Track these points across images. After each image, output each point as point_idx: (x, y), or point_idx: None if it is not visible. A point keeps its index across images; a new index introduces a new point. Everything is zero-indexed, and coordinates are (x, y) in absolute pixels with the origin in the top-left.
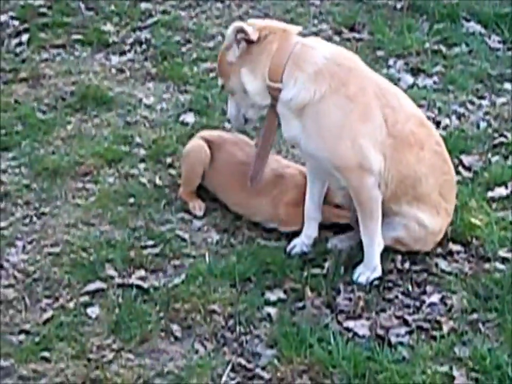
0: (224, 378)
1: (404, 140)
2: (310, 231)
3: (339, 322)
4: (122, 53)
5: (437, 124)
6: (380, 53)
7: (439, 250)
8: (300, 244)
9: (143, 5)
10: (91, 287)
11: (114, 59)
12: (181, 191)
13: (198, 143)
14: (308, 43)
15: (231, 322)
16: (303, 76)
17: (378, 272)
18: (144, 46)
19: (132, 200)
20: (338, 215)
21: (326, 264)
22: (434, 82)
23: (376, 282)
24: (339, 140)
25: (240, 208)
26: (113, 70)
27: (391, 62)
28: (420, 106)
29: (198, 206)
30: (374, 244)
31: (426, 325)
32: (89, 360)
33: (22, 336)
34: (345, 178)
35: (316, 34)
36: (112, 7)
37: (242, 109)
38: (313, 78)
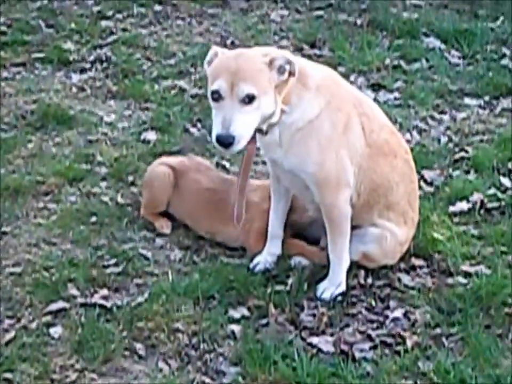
0: None
1: (379, 149)
2: (273, 249)
3: (303, 339)
4: (83, 71)
5: None
6: (340, 69)
7: (402, 265)
8: (263, 261)
9: (104, 23)
10: (53, 307)
11: (75, 77)
12: (143, 212)
13: (163, 170)
14: (299, 59)
15: (195, 340)
16: (308, 93)
17: (342, 288)
18: (104, 64)
19: (93, 219)
20: (311, 252)
21: (290, 281)
22: (395, 98)
23: (339, 298)
24: (327, 153)
25: (209, 235)
26: (74, 88)
27: (352, 78)
28: None
29: (164, 225)
30: (342, 261)
31: (390, 340)
32: (52, 381)
33: None
34: (321, 193)
35: None
36: (73, 25)
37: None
38: (315, 94)
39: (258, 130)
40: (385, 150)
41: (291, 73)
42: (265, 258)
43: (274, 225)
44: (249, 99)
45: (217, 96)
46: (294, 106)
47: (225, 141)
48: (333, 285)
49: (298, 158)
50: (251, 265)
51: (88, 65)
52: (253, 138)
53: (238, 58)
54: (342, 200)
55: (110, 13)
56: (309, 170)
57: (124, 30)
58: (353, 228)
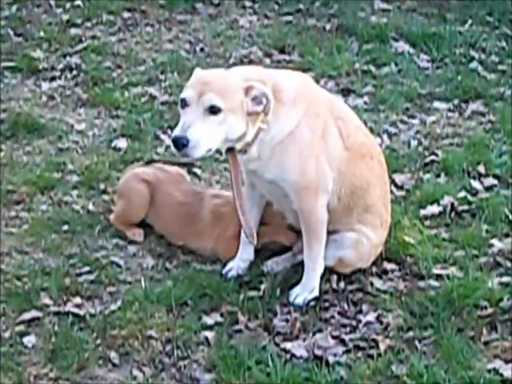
0: None
1: (356, 152)
2: (245, 255)
3: (276, 344)
4: (53, 79)
5: None
6: (310, 74)
7: (374, 269)
8: (235, 268)
9: (73, 31)
10: (26, 316)
11: (45, 85)
12: (115, 221)
13: (141, 187)
14: (271, 75)
15: (168, 347)
16: (284, 108)
17: (315, 293)
18: (74, 72)
19: (65, 227)
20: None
21: (262, 287)
22: (365, 103)
23: (312, 303)
24: (307, 160)
25: (184, 245)
26: (44, 97)
27: (321, 83)
28: None
29: (136, 232)
30: (317, 266)
31: (363, 344)
32: None
33: None
34: (300, 200)
35: (245, 57)
36: (42, 33)
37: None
38: (292, 106)
39: (239, 151)
40: (363, 152)
41: (265, 110)
42: (237, 265)
43: None
44: (214, 110)
45: (184, 103)
46: (271, 123)
47: (179, 142)
48: (306, 290)
49: (279, 167)
50: (224, 271)
51: (57, 73)
52: (234, 160)
53: (214, 74)
54: (320, 206)
55: (79, 21)
56: (290, 178)
57: (93, 37)
58: (329, 233)
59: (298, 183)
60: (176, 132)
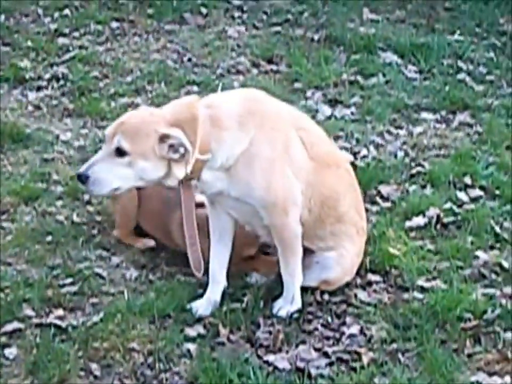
0: None
1: (322, 161)
2: (214, 296)
3: (259, 356)
4: (39, 89)
5: (355, 154)
6: (297, 85)
7: (358, 281)
8: (203, 307)
9: (60, 40)
10: (8, 327)
11: (31, 95)
12: (121, 235)
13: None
14: (211, 103)
15: (150, 359)
16: (229, 133)
17: (298, 305)
18: (61, 82)
19: (49, 238)
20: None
21: (245, 299)
22: (352, 113)
23: (296, 314)
24: (272, 175)
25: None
26: (30, 106)
27: (309, 93)
28: (338, 137)
29: (145, 241)
30: (295, 279)
31: (346, 357)
32: None
33: None
34: (270, 216)
35: (233, 67)
36: (29, 43)
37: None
38: (238, 129)
39: (189, 179)
40: (328, 161)
41: (185, 159)
42: (205, 304)
43: (215, 271)
44: (120, 152)
45: (104, 140)
46: (215, 151)
47: (79, 178)
48: (288, 303)
49: (244, 185)
50: (192, 310)
51: (44, 83)
52: (186, 191)
53: (135, 116)
54: (291, 220)
55: (66, 31)
56: (256, 195)
57: (81, 47)
58: (309, 253)
59: (265, 199)
60: (81, 168)
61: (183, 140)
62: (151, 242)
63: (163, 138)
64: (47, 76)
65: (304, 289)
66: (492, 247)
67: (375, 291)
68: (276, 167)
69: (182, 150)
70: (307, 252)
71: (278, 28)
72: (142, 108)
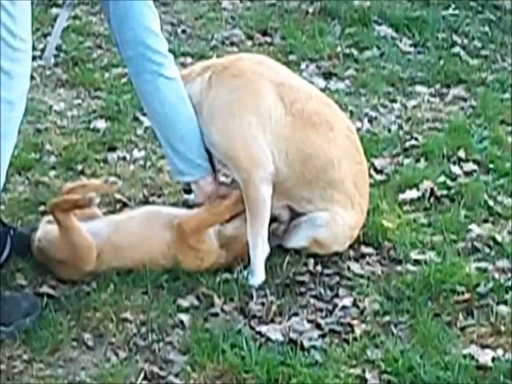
0: None
1: (305, 119)
2: None
3: (252, 328)
4: (33, 59)
5: None
6: (292, 57)
7: (351, 253)
8: None
9: (54, 11)
10: None
11: None
12: None
13: None
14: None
15: (143, 329)
16: (192, 75)
17: (259, 278)
18: (54, 52)
19: (42, 208)
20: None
21: (237, 269)
22: (346, 86)
23: (289, 286)
24: (228, 118)
25: None
26: None
27: (303, 66)
28: None
29: None
30: (257, 248)
31: (339, 328)
32: None
33: None
34: (235, 166)
35: (227, 39)
36: None
37: None
38: (199, 72)
39: None
40: (314, 120)
41: None
42: None
43: None
44: None
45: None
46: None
47: None
48: (251, 272)
49: (208, 129)
50: None
51: (38, 53)
52: None
53: None
54: (257, 176)
55: (60, 1)
56: (214, 140)
57: (75, 17)
58: (300, 214)
59: (222, 144)
60: None
61: None
62: None
63: None
64: (41, 46)
65: (296, 260)
66: (485, 221)
67: (368, 263)
68: (234, 111)
69: None
70: (299, 214)
71: (273, 0)
72: None
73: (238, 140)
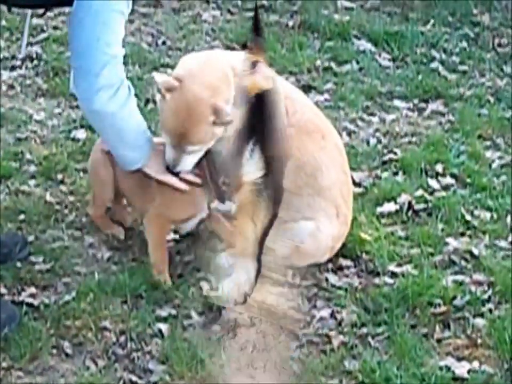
0: None
1: (302, 127)
2: None
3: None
4: (13, 69)
5: None
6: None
7: (329, 265)
8: None
9: (35, 21)
10: None
11: (5, 74)
12: (92, 214)
13: (102, 157)
14: None
15: (122, 338)
16: None
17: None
18: (35, 62)
19: (21, 216)
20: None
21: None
22: (325, 99)
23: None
24: None
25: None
26: (4, 86)
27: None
28: None
29: (116, 229)
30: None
31: (316, 339)
32: None
33: None
34: None
35: None
36: (3, 22)
37: None
38: None
39: None
40: (309, 127)
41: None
42: None
43: None
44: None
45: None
46: None
47: None
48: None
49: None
50: None
51: (18, 63)
52: None
53: None
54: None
55: (41, 11)
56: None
57: (55, 28)
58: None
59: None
60: None
61: None
62: (121, 233)
63: None
64: (21, 56)
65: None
66: (462, 234)
67: (346, 275)
68: None
69: None
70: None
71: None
72: None
73: None
